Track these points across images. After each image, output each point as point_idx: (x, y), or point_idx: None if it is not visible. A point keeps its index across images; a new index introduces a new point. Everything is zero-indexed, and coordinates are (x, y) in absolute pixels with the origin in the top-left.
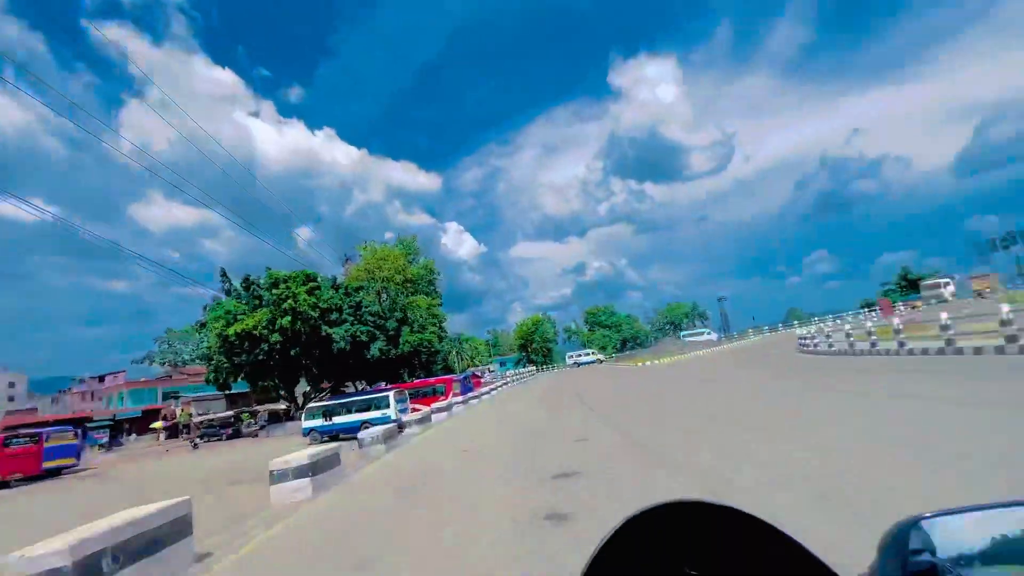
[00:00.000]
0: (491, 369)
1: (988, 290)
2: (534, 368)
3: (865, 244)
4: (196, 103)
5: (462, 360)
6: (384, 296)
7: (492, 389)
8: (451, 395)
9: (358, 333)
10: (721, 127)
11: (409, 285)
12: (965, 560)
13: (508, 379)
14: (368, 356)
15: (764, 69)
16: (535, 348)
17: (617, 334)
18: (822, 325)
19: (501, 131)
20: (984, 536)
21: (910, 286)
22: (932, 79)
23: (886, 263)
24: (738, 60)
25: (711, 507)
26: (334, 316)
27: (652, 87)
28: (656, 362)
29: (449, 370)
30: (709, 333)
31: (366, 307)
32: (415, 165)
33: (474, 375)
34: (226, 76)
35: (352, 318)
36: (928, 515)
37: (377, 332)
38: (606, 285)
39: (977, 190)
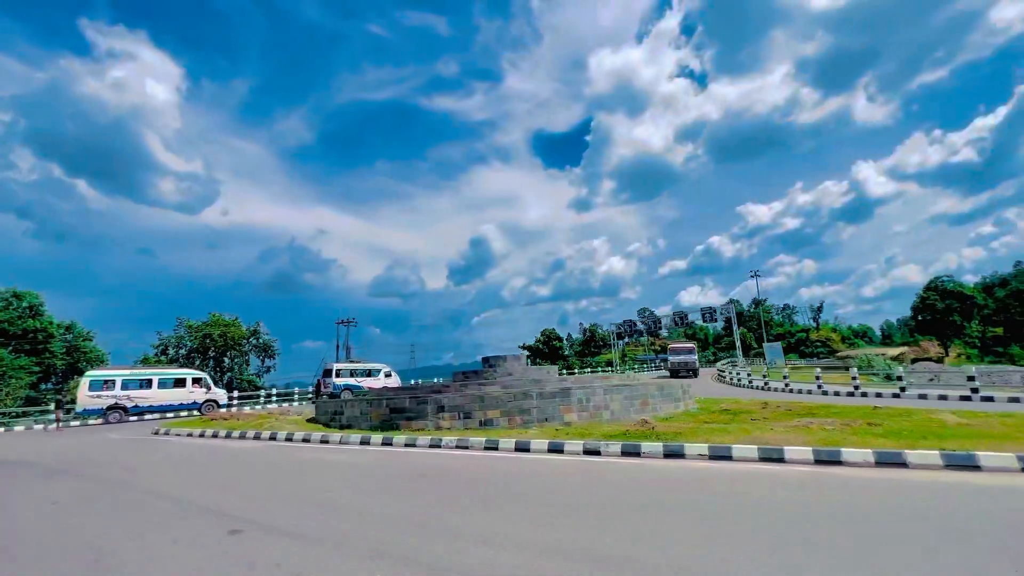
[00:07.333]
0: None
1: None
2: None
3: (296, 327)
4: None
5: None
6: None
7: None
8: None
9: None
10: (210, 168)
11: None
12: None
13: None
14: None
15: (267, 143)
16: None
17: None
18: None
19: None
20: None
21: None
22: (370, 219)
23: (307, 347)
24: (247, 120)
25: None
26: None
27: (140, 72)
28: None
29: None
30: (388, 371)
31: None
32: None
33: None
34: None
35: None
36: None
37: None
38: None
39: (376, 307)
